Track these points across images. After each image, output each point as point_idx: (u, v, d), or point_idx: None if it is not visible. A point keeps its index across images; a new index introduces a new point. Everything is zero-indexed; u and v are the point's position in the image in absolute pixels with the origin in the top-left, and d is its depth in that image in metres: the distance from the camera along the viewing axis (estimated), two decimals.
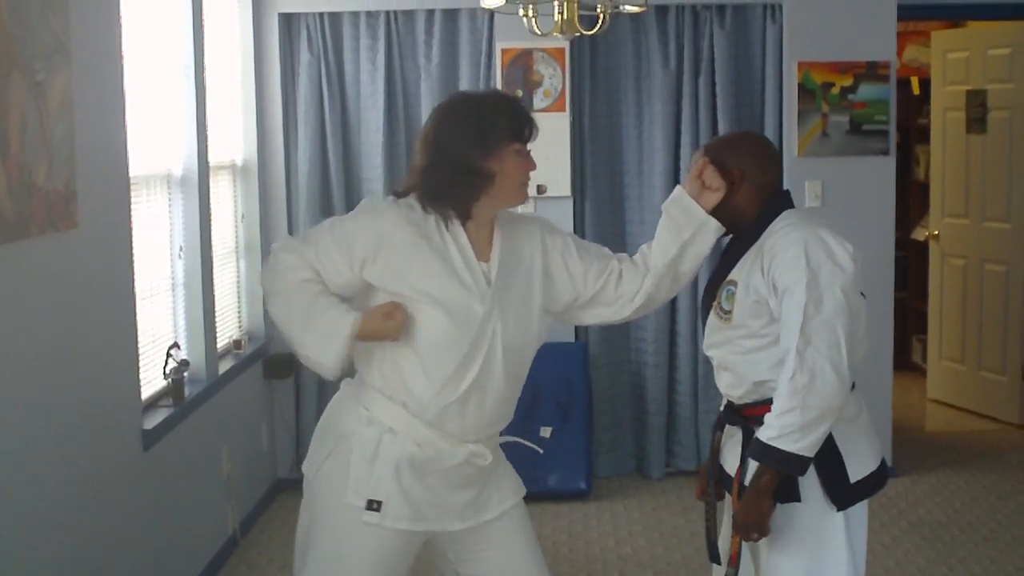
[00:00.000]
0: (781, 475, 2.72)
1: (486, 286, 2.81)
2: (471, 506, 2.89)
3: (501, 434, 2.97)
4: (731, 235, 3.00)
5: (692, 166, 2.97)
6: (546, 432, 5.65)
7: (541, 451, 3.11)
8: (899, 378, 6.92)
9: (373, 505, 2.77)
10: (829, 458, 2.76)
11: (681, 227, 2.91)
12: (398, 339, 2.75)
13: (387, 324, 2.73)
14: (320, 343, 2.78)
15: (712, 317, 2.95)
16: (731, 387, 2.92)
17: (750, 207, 2.90)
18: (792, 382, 2.67)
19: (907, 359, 8.33)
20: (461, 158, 2.75)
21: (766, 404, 2.78)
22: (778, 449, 2.68)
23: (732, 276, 2.89)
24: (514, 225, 2.95)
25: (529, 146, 2.85)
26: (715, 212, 2.92)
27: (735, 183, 2.89)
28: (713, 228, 2.92)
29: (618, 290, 2.97)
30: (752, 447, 2.76)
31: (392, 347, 2.77)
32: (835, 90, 5.81)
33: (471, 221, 2.82)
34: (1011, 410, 7.00)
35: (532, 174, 2.86)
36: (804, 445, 2.67)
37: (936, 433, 6.95)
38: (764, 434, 2.71)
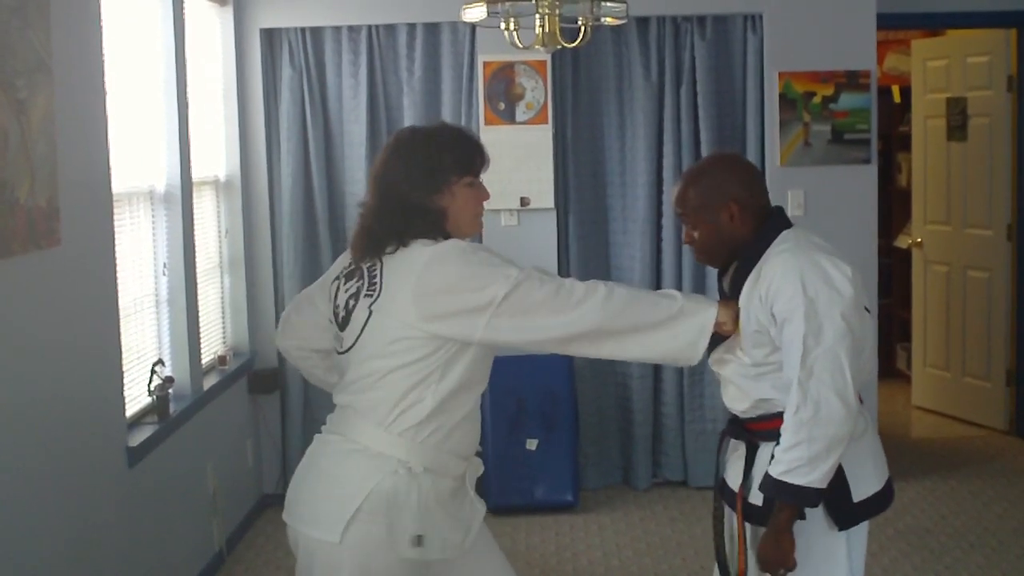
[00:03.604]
0: (798, 509, 2.69)
1: None
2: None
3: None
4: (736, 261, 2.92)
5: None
6: (532, 444, 5.65)
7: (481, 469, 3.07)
8: (884, 386, 6.94)
9: (418, 541, 2.69)
10: (832, 477, 2.71)
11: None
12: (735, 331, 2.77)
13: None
14: (688, 331, 2.74)
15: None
16: (735, 401, 2.90)
17: (744, 229, 2.85)
18: (797, 416, 2.64)
19: (892, 366, 8.35)
20: (411, 198, 2.74)
21: (770, 419, 2.77)
22: (789, 484, 2.65)
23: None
24: None
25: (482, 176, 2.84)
26: (714, 246, 2.87)
27: (732, 216, 2.83)
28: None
29: None
30: (764, 483, 2.73)
31: (467, 396, 2.77)
32: (816, 99, 5.83)
33: None
34: (996, 416, 7.03)
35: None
36: (815, 478, 2.64)
37: (921, 440, 6.97)
38: (774, 469, 2.67)
